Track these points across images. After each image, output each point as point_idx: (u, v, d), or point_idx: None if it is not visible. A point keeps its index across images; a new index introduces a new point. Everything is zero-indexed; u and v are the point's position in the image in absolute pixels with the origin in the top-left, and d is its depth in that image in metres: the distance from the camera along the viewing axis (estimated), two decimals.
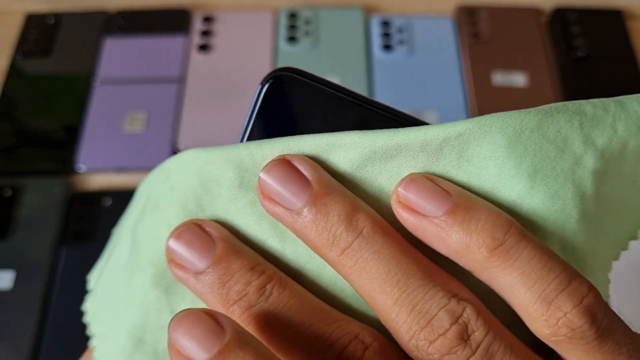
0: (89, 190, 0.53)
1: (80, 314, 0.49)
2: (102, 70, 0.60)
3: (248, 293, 0.16)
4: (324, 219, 0.16)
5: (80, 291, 0.48)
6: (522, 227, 0.15)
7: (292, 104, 0.18)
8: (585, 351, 0.15)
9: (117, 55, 0.61)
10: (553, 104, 0.17)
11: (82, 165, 0.54)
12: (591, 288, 0.15)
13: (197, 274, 0.17)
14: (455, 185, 0.16)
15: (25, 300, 0.47)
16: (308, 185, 0.16)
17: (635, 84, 0.59)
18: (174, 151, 0.55)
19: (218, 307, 0.17)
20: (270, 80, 0.18)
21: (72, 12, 0.65)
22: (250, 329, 0.16)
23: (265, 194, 0.16)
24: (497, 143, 0.16)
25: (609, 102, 0.17)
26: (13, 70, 0.60)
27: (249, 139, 0.19)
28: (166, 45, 0.62)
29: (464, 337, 0.14)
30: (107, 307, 0.20)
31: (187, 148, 0.54)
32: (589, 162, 0.16)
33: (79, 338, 0.47)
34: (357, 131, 0.17)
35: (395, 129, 0.17)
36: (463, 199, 0.16)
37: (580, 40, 0.61)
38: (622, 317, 0.15)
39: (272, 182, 0.16)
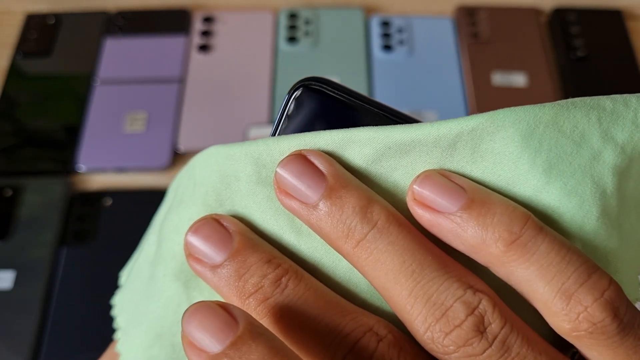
0: (89, 190, 0.54)
1: (81, 313, 0.49)
2: (103, 71, 0.60)
3: (264, 286, 0.16)
4: (339, 212, 0.16)
5: (81, 291, 0.48)
6: (539, 221, 0.15)
7: (318, 113, 0.19)
8: (607, 346, 0.14)
9: (118, 55, 0.61)
10: (570, 99, 0.16)
11: (82, 166, 0.54)
12: (612, 281, 0.14)
13: (214, 267, 0.17)
14: (469, 181, 0.16)
15: (26, 300, 0.47)
16: (323, 179, 0.16)
17: (635, 84, 0.59)
18: (174, 151, 0.55)
19: (234, 300, 0.17)
20: (298, 89, 0.19)
21: (73, 12, 0.65)
22: (266, 321, 0.16)
23: (282, 189, 0.17)
24: (511, 138, 0.16)
25: (631, 97, 0.16)
26: (13, 70, 0.60)
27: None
28: (166, 46, 0.62)
29: (480, 329, 0.14)
30: (132, 301, 0.21)
31: (187, 148, 0.54)
32: (609, 157, 0.16)
33: (79, 338, 0.47)
34: (372, 127, 0.17)
35: (410, 125, 0.17)
36: (478, 193, 0.15)
37: (580, 41, 0.61)
38: None
39: (288, 177, 0.16)
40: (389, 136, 0.16)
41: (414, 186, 0.16)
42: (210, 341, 0.14)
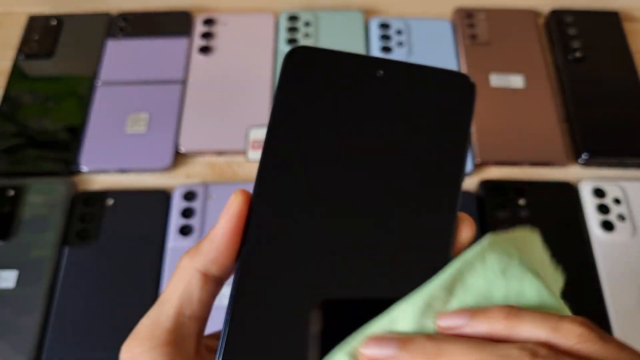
0: (92, 190, 0.54)
1: (83, 312, 0.49)
2: (104, 72, 0.61)
3: None
4: None
5: (82, 290, 0.48)
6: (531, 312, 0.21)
7: (309, 70, 0.24)
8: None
9: (119, 57, 0.62)
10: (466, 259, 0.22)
11: (84, 166, 0.54)
12: (576, 317, 0.21)
13: None
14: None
15: (28, 300, 0.48)
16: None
17: (632, 85, 0.59)
18: (176, 152, 0.55)
19: None
20: (289, 55, 0.24)
21: (75, 14, 0.65)
22: None
23: None
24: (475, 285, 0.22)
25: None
26: (16, 71, 0.61)
27: (278, 105, 0.24)
28: (168, 47, 0.62)
29: None
30: None
31: (188, 149, 0.54)
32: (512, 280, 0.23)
33: (81, 336, 0.47)
34: (409, 304, 0.21)
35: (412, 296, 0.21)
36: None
37: (577, 42, 0.62)
38: None
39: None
40: (416, 304, 0.21)
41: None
42: None
